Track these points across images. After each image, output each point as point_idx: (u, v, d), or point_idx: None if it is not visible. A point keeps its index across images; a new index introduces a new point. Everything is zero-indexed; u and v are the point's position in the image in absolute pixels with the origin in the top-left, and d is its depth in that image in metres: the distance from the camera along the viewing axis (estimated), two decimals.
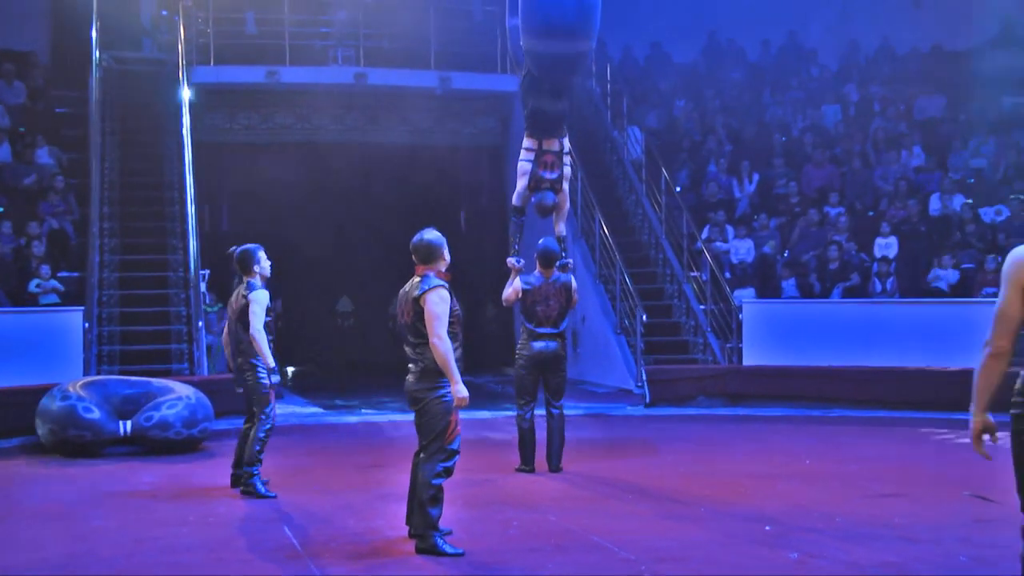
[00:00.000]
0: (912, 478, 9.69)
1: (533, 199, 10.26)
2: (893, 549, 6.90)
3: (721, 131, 20.99)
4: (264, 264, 9.36)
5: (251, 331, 9.00)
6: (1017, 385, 4.69)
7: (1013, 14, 21.39)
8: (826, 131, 20.84)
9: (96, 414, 11.47)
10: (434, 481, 6.91)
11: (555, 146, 10.28)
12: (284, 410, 14.27)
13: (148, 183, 17.71)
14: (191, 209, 16.89)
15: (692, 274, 17.83)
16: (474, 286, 22.36)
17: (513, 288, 10.32)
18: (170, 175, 17.76)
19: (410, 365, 7.11)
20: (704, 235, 18.03)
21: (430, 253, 7.20)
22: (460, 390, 6.85)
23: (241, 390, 9.37)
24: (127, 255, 16.46)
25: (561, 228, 10.56)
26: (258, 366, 9.13)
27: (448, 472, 6.97)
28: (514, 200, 10.41)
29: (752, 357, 15.82)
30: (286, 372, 19.91)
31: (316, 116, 19.96)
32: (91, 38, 18.67)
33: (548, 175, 10.19)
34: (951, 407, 13.88)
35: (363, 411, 15.73)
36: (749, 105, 22.24)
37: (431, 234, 7.31)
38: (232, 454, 9.57)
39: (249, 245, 9.40)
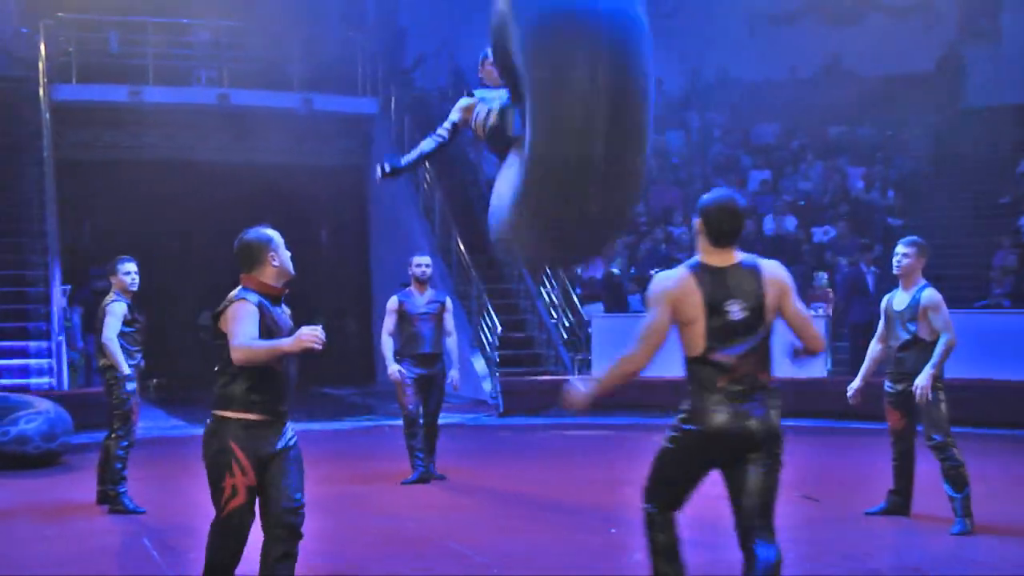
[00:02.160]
0: None
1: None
2: (730, 547, 7.04)
3: None
4: (123, 274, 9.05)
5: (103, 339, 8.77)
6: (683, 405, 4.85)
7: (839, 50, 22.14)
8: (670, 155, 21.24)
9: None
10: None
11: None
12: (147, 423, 14.03)
13: (6, 200, 17.20)
14: (51, 225, 16.52)
15: (544, 290, 18.02)
16: (341, 302, 22.34)
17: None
18: (29, 192, 17.29)
19: None
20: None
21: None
22: None
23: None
24: None
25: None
26: (120, 378, 8.88)
27: None
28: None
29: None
30: (149, 384, 19.54)
31: (180, 135, 19.69)
32: None
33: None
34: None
35: None
36: None
37: (250, 232, 5.35)
38: (94, 468, 9.35)
39: (122, 256, 9.16)
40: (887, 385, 8.05)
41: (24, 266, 16.37)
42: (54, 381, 14.88)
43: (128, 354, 8.81)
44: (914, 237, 8.11)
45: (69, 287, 16.27)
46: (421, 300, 10.06)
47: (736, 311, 4.75)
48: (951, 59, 21.79)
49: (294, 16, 20.63)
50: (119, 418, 8.82)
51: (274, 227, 18.79)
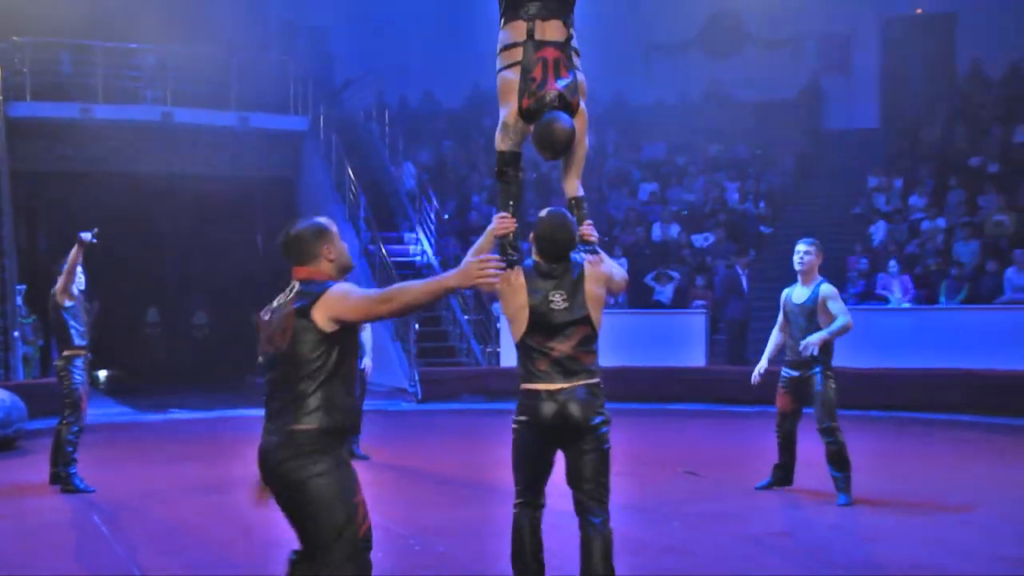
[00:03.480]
0: (640, 460, 9.93)
1: (533, 128, 4.79)
2: (620, 520, 7.05)
3: (483, 167, 21.23)
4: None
5: (64, 274, 8.61)
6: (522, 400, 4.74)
7: (718, 78, 22.37)
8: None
9: None
10: None
11: (558, 32, 4.87)
12: (97, 410, 13.77)
13: None
14: (7, 230, 16.19)
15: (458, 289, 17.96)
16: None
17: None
18: None
19: (269, 421, 3.91)
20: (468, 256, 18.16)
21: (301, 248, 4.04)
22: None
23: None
24: None
25: (576, 185, 5.05)
26: (72, 370, 8.70)
27: None
28: (498, 142, 4.98)
29: (508, 360, 15.95)
30: (98, 376, 19.19)
31: (128, 149, 19.31)
32: None
33: (552, 83, 4.79)
34: (659, 399, 14.57)
35: (170, 410, 15.30)
36: (486, 145, 22.32)
37: (303, 222, 4.11)
38: (47, 452, 9.14)
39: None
40: (784, 371, 8.01)
41: None
42: (9, 372, 14.55)
43: (80, 335, 8.67)
44: (812, 238, 8.07)
45: (24, 287, 15.95)
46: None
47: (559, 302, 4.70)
48: (811, 89, 22.18)
49: (233, 41, 20.40)
50: (69, 406, 8.66)
51: (211, 234, 18.35)
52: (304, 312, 3.80)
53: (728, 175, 20.11)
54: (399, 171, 20.86)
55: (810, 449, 8.02)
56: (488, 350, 16.85)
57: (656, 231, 18.53)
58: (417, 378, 16.01)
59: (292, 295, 3.93)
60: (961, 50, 21.23)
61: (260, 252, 23.38)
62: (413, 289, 3.76)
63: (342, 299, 3.78)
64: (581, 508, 4.68)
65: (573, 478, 4.69)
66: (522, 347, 4.74)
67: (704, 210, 19.12)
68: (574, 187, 5.03)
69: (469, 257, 4.65)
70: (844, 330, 7.70)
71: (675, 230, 18.44)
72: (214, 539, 6.86)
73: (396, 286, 3.79)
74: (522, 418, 4.71)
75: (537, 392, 4.66)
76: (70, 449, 8.60)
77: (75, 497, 8.36)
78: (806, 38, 22.31)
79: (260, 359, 3.98)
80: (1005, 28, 19.82)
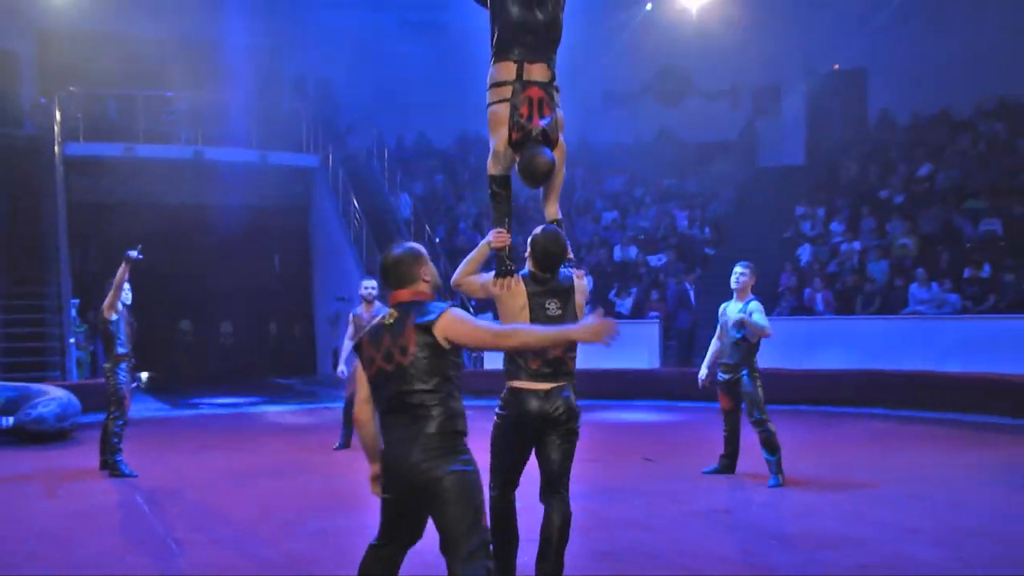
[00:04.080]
0: (604, 449, 9.99)
1: (518, 160, 4.77)
2: (588, 500, 7.11)
3: (469, 199, 21.28)
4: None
5: (108, 300, 8.74)
6: (503, 394, 4.73)
7: (668, 122, 22.49)
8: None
9: None
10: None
11: (543, 74, 4.84)
12: (138, 406, 13.75)
13: (30, 232, 16.76)
14: (63, 252, 16.20)
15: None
16: (290, 313, 22.08)
17: (481, 284, 4.90)
18: (47, 227, 16.87)
19: (399, 430, 3.69)
20: (455, 276, 18.13)
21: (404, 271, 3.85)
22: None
23: (136, 385, 8.98)
24: (12, 288, 15.61)
25: (555, 209, 5.07)
26: (118, 372, 8.74)
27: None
28: (489, 167, 4.92)
29: (491, 363, 15.79)
30: (140, 377, 19.14)
31: (164, 182, 19.31)
32: None
33: (537, 120, 4.76)
34: (620, 397, 14.58)
35: (200, 406, 15.27)
36: (472, 178, 22.15)
37: (400, 246, 3.92)
38: (97, 443, 9.16)
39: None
40: (720, 375, 8.09)
41: (43, 284, 15.99)
42: (65, 374, 14.55)
43: (123, 343, 8.71)
44: (747, 262, 8.15)
45: (78, 300, 15.94)
46: (367, 315, 9.89)
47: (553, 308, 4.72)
48: (748, 132, 22.32)
49: (253, 89, 20.42)
50: (115, 403, 8.73)
51: (235, 255, 18.14)
52: (427, 328, 3.64)
53: (678, 205, 20.21)
54: (397, 201, 20.85)
55: (753, 439, 8.10)
56: (474, 354, 16.83)
57: (617, 253, 18.64)
58: None
59: (403, 314, 3.73)
60: (872, 100, 21.45)
61: (277, 270, 23.41)
62: (536, 333, 3.72)
63: (461, 323, 3.64)
64: (549, 489, 4.69)
65: (545, 464, 4.69)
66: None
67: (657, 235, 19.21)
68: (554, 211, 5.03)
69: (465, 262, 4.87)
70: (763, 330, 7.79)
71: (633, 252, 18.53)
72: (237, 517, 6.91)
73: (520, 326, 3.73)
74: (506, 412, 4.67)
75: (526, 390, 4.62)
76: (116, 440, 8.66)
77: (120, 481, 8.44)
78: (743, 88, 22.50)
79: (370, 377, 3.77)
80: (907, 82, 20.02)
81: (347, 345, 10.08)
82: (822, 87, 22.08)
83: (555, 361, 4.63)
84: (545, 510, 4.71)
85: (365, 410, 3.84)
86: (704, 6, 20.54)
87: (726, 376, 8.01)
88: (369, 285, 10.16)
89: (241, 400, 16.03)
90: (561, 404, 4.63)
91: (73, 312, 15.61)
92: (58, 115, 17.99)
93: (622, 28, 21.65)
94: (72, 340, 15.02)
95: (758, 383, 7.85)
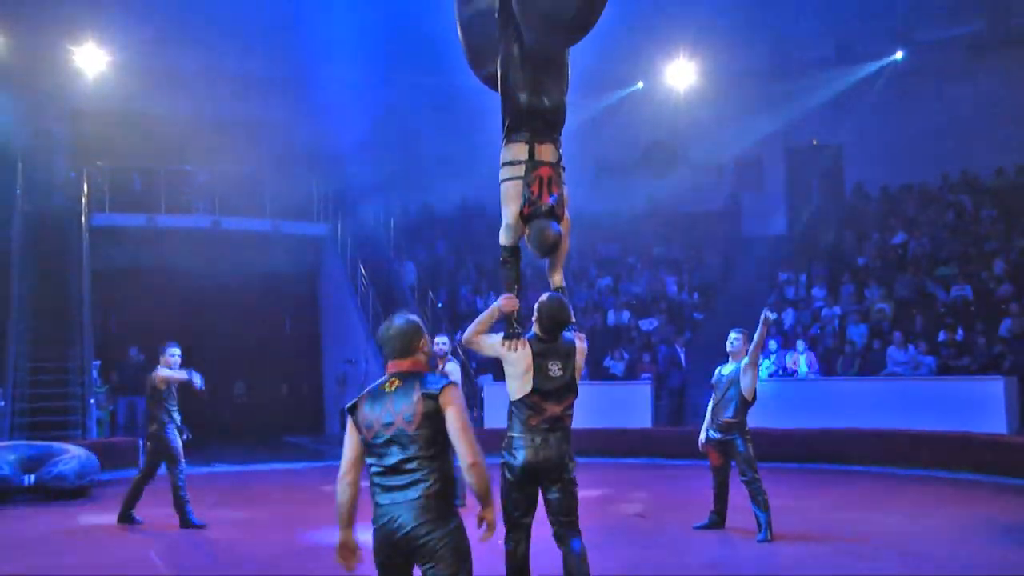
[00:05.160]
0: (599, 504, 10.02)
1: (528, 232, 5.09)
2: (590, 554, 7.16)
3: (470, 265, 21.45)
4: (168, 356, 9.10)
5: (163, 373, 8.85)
6: (503, 443, 4.93)
7: (658, 193, 22.72)
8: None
9: (6, 470, 10.98)
10: None
11: (551, 155, 5.15)
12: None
13: (57, 297, 16.91)
14: (87, 317, 16.31)
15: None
16: (300, 374, 22.15)
17: (490, 344, 5.06)
18: (72, 292, 17.03)
19: (395, 493, 3.69)
20: (458, 337, 18.17)
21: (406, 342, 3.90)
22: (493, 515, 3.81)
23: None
24: (37, 350, 15.69)
25: (560, 277, 5.36)
26: (164, 428, 8.85)
27: None
28: (501, 238, 5.23)
29: (491, 422, 15.70)
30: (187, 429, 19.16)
31: (183, 250, 19.47)
32: (15, 192, 17.98)
33: (546, 197, 5.06)
34: (614, 454, 14.59)
35: (213, 464, 15.19)
36: (473, 246, 22.23)
37: (401, 318, 3.96)
38: (118, 498, 9.22)
39: (169, 342, 9.14)
40: (711, 433, 8.10)
41: (67, 345, 16.06)
42: (85, 432, 14.59)
43: (167, 412, 8.83)
44: (741, 328, 8.25)
45: (99, 362, 16.03)
46: (440, 369, 9.61)
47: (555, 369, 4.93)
48: (732, 202, 22.53)
49: (268, 163, 20.71)
50: (171, 459, 8.83)
51: (248, 318, 18.15)
52: (434, 397, 3.70)
53: (668, 271, 20.32)
54: (401, 268, 21.04)
55: (742, 496, 8.18)
56: (474, 415, 16.87)
57: (610, 317, 18.71)
58: None
59: (407, 384, 3.77)
60: (848, 172, 21.77)
61: (288, 332, 23.48)
62: (480, 471, 3.68)
63: (458, 399, 3.74)
64: (561, 534, 4.89)
65: (553, 511, 4.88)
66: (520, 403, 4.87)
67: (648, 299, 19.33)
68: (559, 279, 5.30)
69: (476, 323, 4.99)
70: (757, 352, 7.84)
71: (626, 316, 18.60)
72: (248, 570, 6.94)
73: (480, 454, 3.71)
74: (511, 462, 4.85)
75: (526, 442, 4.82)
76: (182, 493, 8.77)
77: (136, 536, 8.50)
78: (727, 162, 22.77)
79: (366, 440, 3.76)
80: (880, 156, 20.39)
81: None
82: (801, 161, 22.39)
83: (552, 418, 4.85)
84: (562, 552, 4.89)
85: (352, 472, 3.81)
86: (691, 85, 20.95)
87: (718, 435, 8.04)
88: (441, 341, 9.78)
89: (251, 458, 16.01)
90: (556, 453, 4.82)
91: (95, 373, 15.69)
92: (86, 188, 18.25)
93: (615, 105, 22.03)
94: (93, 400, 15.08)
95: (749, 443, 7.90)
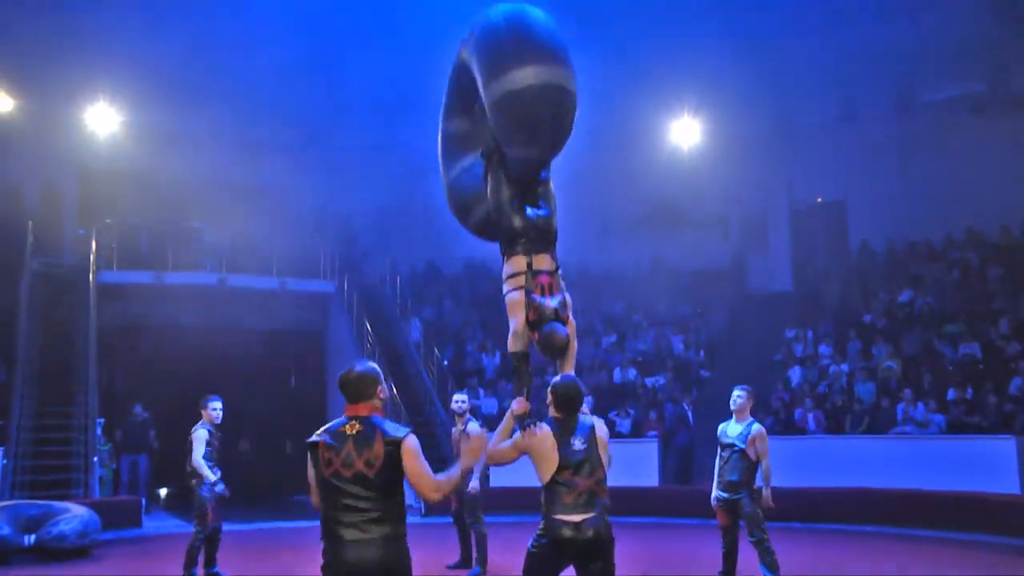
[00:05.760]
0: None
1: (537, 337, 5.50)
2: None
3: (475, 322, 21.47)
4: (210, 410, 9.08)
5: (193, 461, 8.77)
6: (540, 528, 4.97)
7: (663, 251, 22.78)
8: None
9: (6, 530, 10.86)
10: None
11: (548, 264, 5.71)
12: (157, 523, 13.63)
13: (62, 353, 16.92)
14: (92, 374, 16.31)
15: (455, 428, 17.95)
16: (305, 431, 22.00)
17: (512, 446, 5.09)
18: (78, 349, 17.04)
19: (355, 530, 3.90)
20: (463, 394, 18.15)
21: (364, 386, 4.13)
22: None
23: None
24: (42, 407, 15.63)
25: (570, 374, 5.40)
26: (204, 486, 8.81)
27: None
28: (511, 345, 5.64)
29: (497, 480, 15.54)
30: (159, 494, 19.02)
31: (190, 307, 19.57)
32: (25, 249, 18.13)
33: (549, 302, 5.52)
34: (621, 514, 14.41)
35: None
36: (494, 305, 22.60)
37: (362, 364, 4.21)
38: (118, 558, 9.14)
39: (212, 395, 9.15)
40: (720, 492, 7.99)
41: (71, 403, 16.01)
42: (88, 491, 14.49)
43: (208, 466, 8.81)
44: (746, 385, 8.18)
45: (103, 420, 15.98)
46: (458, 428, 9.75)
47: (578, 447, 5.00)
48: (738, 260, 22.61)
49: (274, 222, 20.85)
50: (198, 517, 8.82)
51: (254, 375, 18.15)
52: (396, 444, 3.96)
53: (673, 329, 20.35)
54: (408, 325, 21.06)
55: (751, 557, 8.06)
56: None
57: (616, 374, 18.67)
58: None
59: (367, 428, 4.01)
60: (852, 230, 21.84)
61: (293, 390, 23.44)
62: (444, 479, 4.02)
63: (417, 455, 4.00)
64: None
65: None
66: (551, 484, 4.93)
67: (654, 357, 19.32)
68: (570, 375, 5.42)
69: (496, 435, 5.13)
70: (768, 473, 7.82)
71: (632, 373, 18.57)
72: None
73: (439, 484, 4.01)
74: (545, 540, 4.87)
75: (564, 522, 4.85)
76: (193, 553, 8.80)
77: None
78: (732, 220, 22.90)
79: (324, 476, 3.99)
80: (884, 214, 20.49)
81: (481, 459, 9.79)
82: (805, 218, 22.51)
83: (587, 492, 4.90)
84: None
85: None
86: (695, 145, 21.16)
87: (726, 494, 7.96)
88: (460, 399, 9.87)
89: (256, 516, 15.87)
90: (593, 533, 4.86)
91: (99, 431, 15.64)
92: (94, 245, 18.38)
93: (621, 163, 22.19)
94: (96, 458, 15.00)
95: (757, 503, 7.84)
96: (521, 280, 5.60)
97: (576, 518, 4.86)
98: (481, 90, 5.69)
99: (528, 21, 5.61)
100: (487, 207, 6.03)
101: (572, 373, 5.44)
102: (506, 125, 5.59)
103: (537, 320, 5.46)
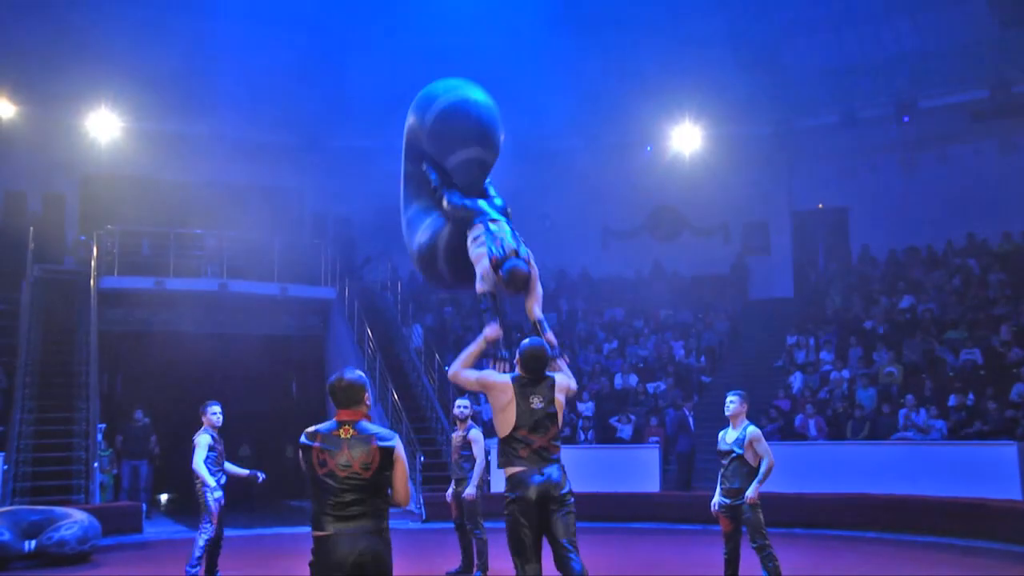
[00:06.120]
0: (607, 571, 9.87)
1: (502, 273, 6.15)
2: None
3: (476, 329, 21.42)
4: (209, 415, 9.08)
5: (193, 466, 8.73)
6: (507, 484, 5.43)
7: (663, 258, 22.81)
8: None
9: (6, 536, 10.85)
10: None
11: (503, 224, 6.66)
12: (157, 529, 13.64)
13: (63, 360, 16.95)
14: (93, 379, 16.31)
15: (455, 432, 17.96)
16: (300, 434, 21.96)
17: (476, 378, 5.61)
18: (79, 355, 17.06)
19: (349, 524, 4.27)
20: (452, 367, 18.09)
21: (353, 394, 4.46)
22: None
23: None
24: (42, 413, 15.64)
25: (537, 311, 6.25)
26: (205, 490, 8.77)
27: None
28: (478, 286, 6.35)
29: (499, 487, 15.79)
30: (160, 499, 18.99)
31: (191, 313, 19.56)
32: (27, 255, 18.14)
33: (508, 242, 6.29)
34: (622, 520, 14.40)
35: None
36: (479, 310, 22.33)
37: (351, 373, 4.51)
38: (119, 563, 9.12)
39: (210, 400, 9.12)
40: (721, 499, 7.94)
41: (72, 409, 16.01)
42: (88, 497, 14.49)
43: (211, 471, 8.78)
44: (739, 391, 8.13)
45: (104, 425, 15.97)
46: (460, 432, 9.85)
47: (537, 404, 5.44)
48: (739, 266, 22.60)
49: (276, 228, 20.88)
50: (207, 515, 8.77)
51: (255, 381, 18.16)
52: (389, 451, 4.35)
53: (674, 335, 20.38)
54: (409, 332, 21.06)
55: (752, 561, 8.05)
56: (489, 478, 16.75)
57: (617, 380, 18.68)
58: (422, 501, 15.91)
59: (361, 434, 4.36)
60: (854, 236, 21.86)
61: (294, 396, 23.45)
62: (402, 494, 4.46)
63: (405, 461, 4.44)
64: (562, 557, 5.26)
65: (553, 535, 5.27)
66: (508, 440, 5.36)
67: (655, 363, 19.32)
68: (536, 312, 6.27)
69: (463, 356, 5.68)
70: (769, 470, 7.75)
71: (633, 379, 18.58)
72: None
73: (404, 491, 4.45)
74: (511, 495, 5.31)
75: (521, 473, 5.32)
76: (198, 553, 8.71)
77: None
78: (733, 226, 22.89)
79: (318, 476, 4.31)
80: (886, 220, 20.53)
81: (479, 466, 9.69)
82: (807, 224, 22.53)
83: (540, 449, 5.35)
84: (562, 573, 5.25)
85: None
86: (696, 151, 21.18)
87: (727, 501, 7.93)
88: (462, 404, 9.97)
89: (256, 522, 15.87)
90: (558, 477, 5.35)
91: (99, 436, 15.63)
92: (95, 251, 18.37)
93: (621, 170, 22.21)
94: (96, 464, 14.99)
95: (758, 509, 7.81)
96: (482, 238, 6.39)
97: (535, 467, 5.31)
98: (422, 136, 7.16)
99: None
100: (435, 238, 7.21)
101: (540, 312, 6.18)
102: (443, 138, 6.92)
103: (499, 261, 6.17)
